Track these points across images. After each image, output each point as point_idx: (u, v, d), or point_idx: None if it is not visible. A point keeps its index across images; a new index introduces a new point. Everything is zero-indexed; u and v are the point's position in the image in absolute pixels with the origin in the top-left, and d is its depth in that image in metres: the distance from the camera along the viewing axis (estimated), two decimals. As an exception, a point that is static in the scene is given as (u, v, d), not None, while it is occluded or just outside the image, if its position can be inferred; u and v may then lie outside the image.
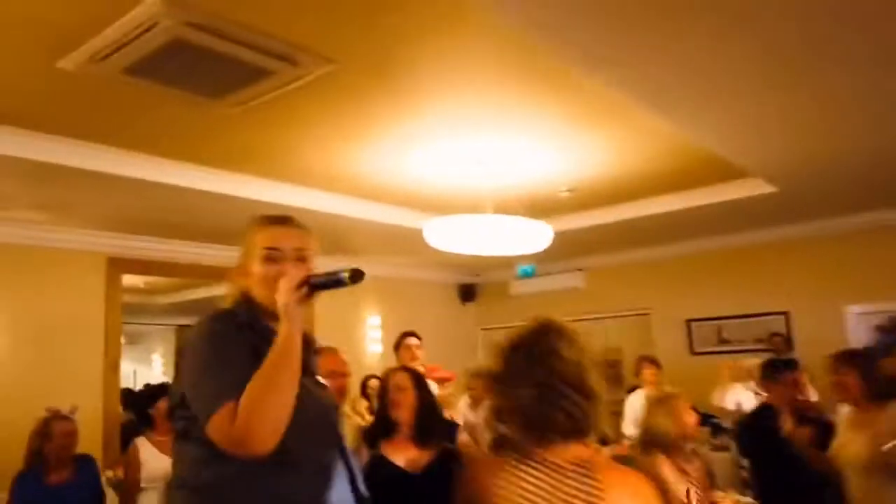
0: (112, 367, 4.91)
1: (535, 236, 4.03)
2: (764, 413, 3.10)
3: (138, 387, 9.16)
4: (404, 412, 2.42)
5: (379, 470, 2.32)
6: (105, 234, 4.94)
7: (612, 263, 7.24)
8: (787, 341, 6.02)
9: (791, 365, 3.25)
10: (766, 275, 6.24)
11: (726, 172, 4.57)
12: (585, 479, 1.30)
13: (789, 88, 2.98)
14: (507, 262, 7.13)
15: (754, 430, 3.08)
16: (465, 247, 3.96)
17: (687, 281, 6.73)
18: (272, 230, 1.51)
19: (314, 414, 1.42)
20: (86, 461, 3.66)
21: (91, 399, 4.57)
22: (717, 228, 6.01)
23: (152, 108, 3.08)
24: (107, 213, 4.42)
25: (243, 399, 1.23)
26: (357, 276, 1.33)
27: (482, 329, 8.33)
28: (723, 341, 6.56)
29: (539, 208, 4.84)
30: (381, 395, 2.52)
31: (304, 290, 1.33)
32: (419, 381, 2.51)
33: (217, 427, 1.26)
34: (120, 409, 5.07)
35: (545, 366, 1.39)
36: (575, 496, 1.28)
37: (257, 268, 1.47)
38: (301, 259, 1.48)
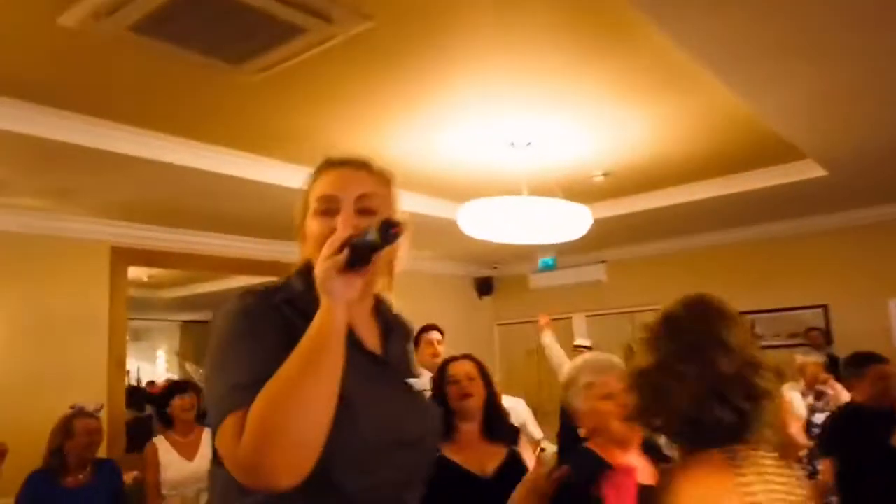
0: (117, 364, 4.63)
1: (576, 221, 3.73)
2: (855, 413, 2.80)
3: (142, 385, 8.88)
4: (475, 406, 2.11)
5: (445, 474, 1.97)
6: (108, 223, 4.64)
7: (636, 255, 6.94)
8: (826, 336, 5.74)
9: (877, 357, 2.93)
10: (804, 266, 5.95)
11: (772, 155, 4.30)
12: None
13: (859, 64, 2.73)
14: (526, 255, 6.85)
15: (850, 433, 2.77)
16: (501, 234, 3.66)
17: (718, 273, 6.41)
18: (329, 174, 1.16)
19: (379, 432, 1.03)
20: (107, 465, 3.43)
21: (95, 397, 4.26)
22: (755, 217, 5.72)
23: (162, 76, 2.78)
24: (110, 198, 4.12)
25: (253, 408, 0.90)
26: (387, 231, 0.97)
27: (498, 325, 8.05)
28: (755, 336, 6.26)
29: (571, 194, 4.54)
30: (438, 388, 2.18)
31: (345, 254, 0.97)
32: (484, 370, 2.22)
33: (221, 445, 0.94)
34: (124, 408, 4.80)
35: (707, 357, 1.16)
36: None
37: (310, 225, 1.13)
38: (365, 210, 1.11)
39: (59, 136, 3.07)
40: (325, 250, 0.99)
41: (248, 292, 1.10)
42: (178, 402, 3.51)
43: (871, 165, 4.24)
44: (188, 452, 3.38)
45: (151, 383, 9.10)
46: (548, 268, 7.01)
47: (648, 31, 2.65)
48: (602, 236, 6.03)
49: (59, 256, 4.44)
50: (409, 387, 1.20)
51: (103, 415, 3.55)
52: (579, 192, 4.65)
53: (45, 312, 4.33)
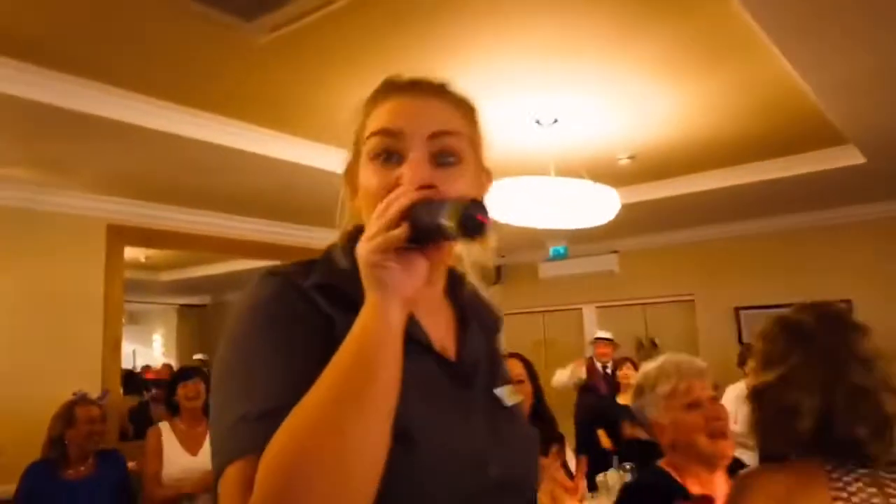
0: (112, 347, 4.40)
1: (605, 204, 3.51)
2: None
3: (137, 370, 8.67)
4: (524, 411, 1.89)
5: None
6: (104, 199, 4.40)
7: (649, 245, 6.72)
8: (849, 332, 5.54)
9: None
10: (828, 259, 5.73)
11: (807, 141, 4.08)
12: None
13: None
14: (536, 243, 6.63)
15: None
16: (526, 217, 3.42)
17: (735, 265, 6.21)
18: (391, 101, 0.82)
19: (452, 473, 0.73)
20: (111, 456, 3.23)
21: (90, 382, 4.04)
22: (779, 207, 5.51)
23: (166, 37, 2.54)
24: (107, 171, 3.87)
25: (267, 453, 0.62)
26: (469, 219, 0.67)
27: (506, 314, 7.78)
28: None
29: (594, 177, 4.32)
30: None
31: (403, 230, 0.68)
32: (532, 371, 1.99)
33: (224, 502, 0.67)
34: (122, 394, 4.58)
35: (841, 368, 1.07)
36: None
37: (363, 174, 0.81)
38: (445, 154, 0.79)
39: (54, 100, 2.83)
40: (374, 223, 0.68)
41: (270, 274, 0.79)
42: (181, 390, 3.30)
43: (911, 153, 4.02)
44: (192, 446, 3.16)
45: (147, 367, 8.91)
46: (559, 256, 6.79)
47: (691, 2, 2.44)
48: (617, 225, 5.80)
49: (52, 233, 4.20)
50: (496, 402, 0.87)
51: (108, 402, 3.33)
52: (603, 175, 4.41)
53: (36, 292, 4.09)
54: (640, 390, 1.59)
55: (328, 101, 3.21)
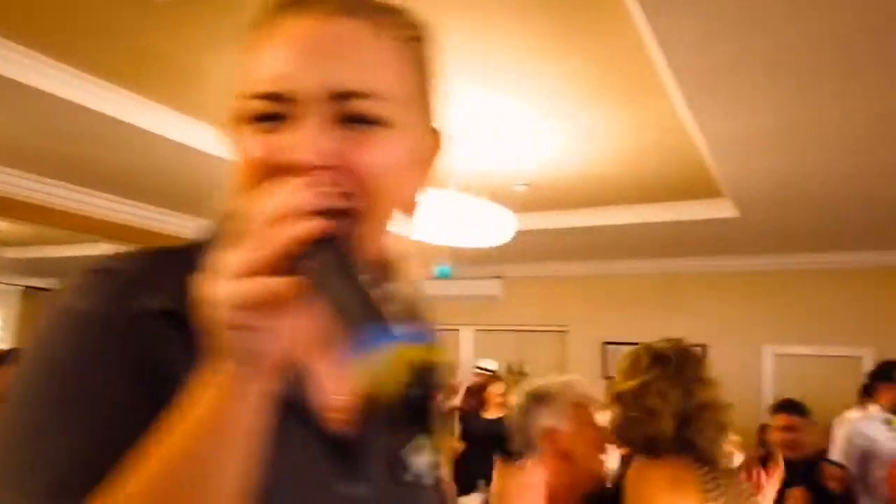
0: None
1: (501, 226, 3.50)
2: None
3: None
4: None
5: None
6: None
7: (532, 274, 6.89)
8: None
9: None
10: (690, 304, 6.11)
11: (688, 190, 4.32)
12: None
13: (808, 106, 2.68)
14: (420, 259, 6.59)
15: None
16: (418, 230, 3.34)
17: (609, 301, 6.49)
18: (282, 31, 0.55)
19: None
20: None
21: None
22: (658, 251, 5.81)
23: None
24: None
25: None
26: (421, 382, 0.41)
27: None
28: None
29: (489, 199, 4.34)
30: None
31: (292, 285, 0.43)
32: None
33: None
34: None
35: (690, 391, 1.36)
36: None
37: (241, 140, 0.55)
38: (356, 116, 0.52)
39: None
40: (246, 249, 0.43)
41: (96, 273, 0.55)
42: None
43: (778, 213, 4.34)
44: None
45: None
46: (444, 276, 6.78)
47: (598, 35, 2.47)
48: (504, 250, 5.87)
49: None
50: (410, 486, 0.64)
51: None
52: (497, 198, 4.45)
53: None
54: (540, 398, 1.57)
55: (220, 76, 2.99)
